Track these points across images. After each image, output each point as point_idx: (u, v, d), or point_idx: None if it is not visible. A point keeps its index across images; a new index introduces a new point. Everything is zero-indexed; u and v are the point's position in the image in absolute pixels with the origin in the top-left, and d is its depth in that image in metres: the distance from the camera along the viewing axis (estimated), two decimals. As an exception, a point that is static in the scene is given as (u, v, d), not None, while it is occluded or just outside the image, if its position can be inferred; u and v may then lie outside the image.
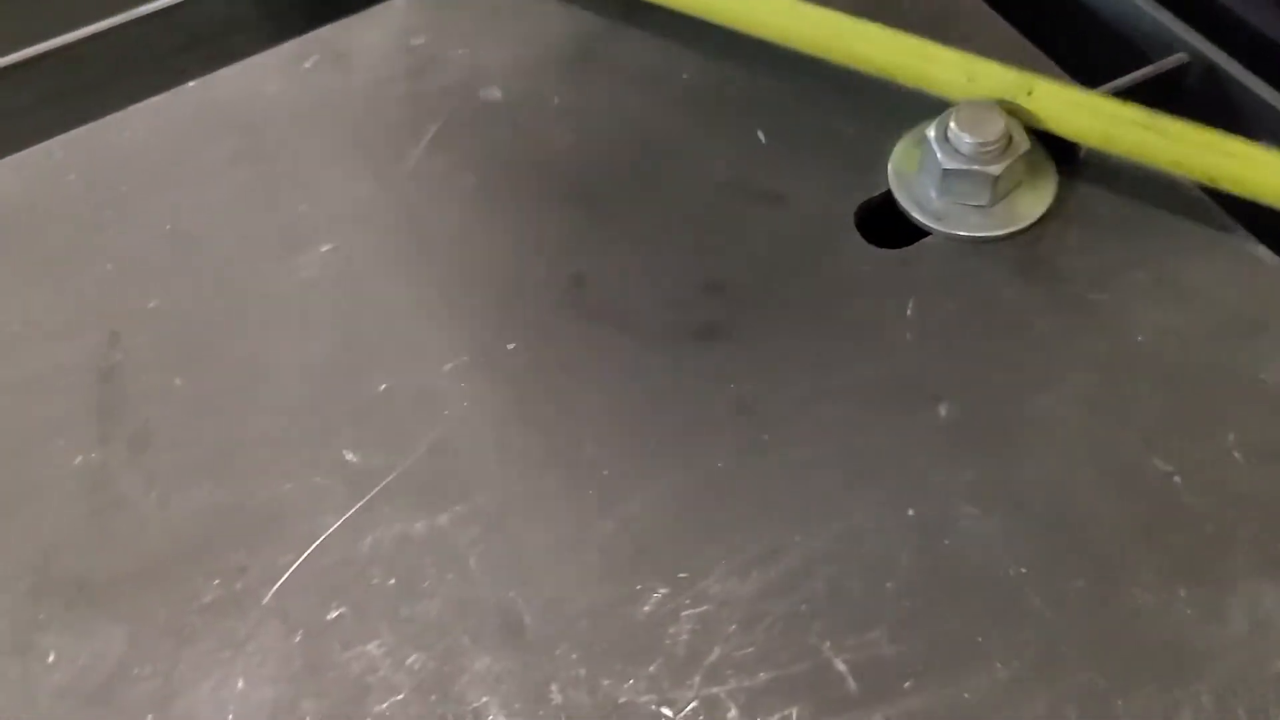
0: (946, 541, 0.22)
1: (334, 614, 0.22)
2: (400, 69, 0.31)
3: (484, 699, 0.21)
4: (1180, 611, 0.21)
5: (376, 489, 0.24)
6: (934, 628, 0.21)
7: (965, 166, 0.26)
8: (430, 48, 0.32)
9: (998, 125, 0.26)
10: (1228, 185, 0.25)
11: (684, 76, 0.30)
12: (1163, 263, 0.26)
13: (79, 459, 0.25)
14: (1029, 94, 0.26)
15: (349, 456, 0.24)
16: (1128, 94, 0.29)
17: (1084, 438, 0.23)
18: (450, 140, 0.30)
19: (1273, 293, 0.25)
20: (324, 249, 0.28)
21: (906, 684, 0.21)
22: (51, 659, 0.22)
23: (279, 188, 0.29)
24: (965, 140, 0.26)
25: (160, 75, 0.31)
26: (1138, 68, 0.30)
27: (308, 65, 0.32)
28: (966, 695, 0.20)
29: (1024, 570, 0.22)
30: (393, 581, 0.23)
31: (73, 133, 0.31)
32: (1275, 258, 0.26)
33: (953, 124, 0.26)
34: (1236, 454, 0.23)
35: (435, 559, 0.23)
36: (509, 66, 0.31)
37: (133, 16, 0.33)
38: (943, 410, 0.24)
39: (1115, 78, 0.30)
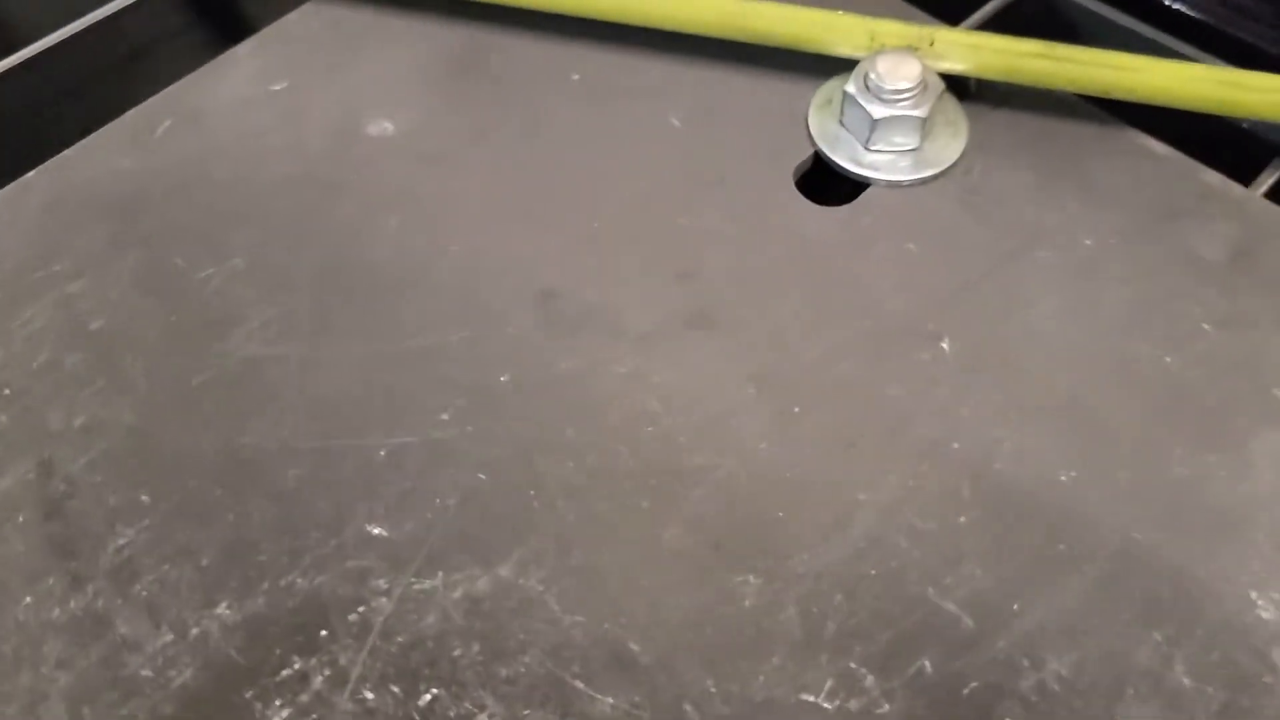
0: (996, 466, 0.23)
1: (426, 698, 0.20)
2: (269, 118, 0.29)
3: (620, 739, 0.20)
4: (1216, 475, 0.23)
5: (420, 557, 0.22)
6: (1015, 546, 0.22)
7: (895, 113, 0.27)
8: (295, 91, 0.29)
9: (915, 69, 0.27)
10: (1121, 94, 0.27)
11: (575, 77, 0.30)
12: (1079, 170, 0.28)
13: (56, 611, 0.21)
14: (931, 44, 0.27)
15: (375, 531, 0.22)
16: (987, 25, 0.32)
17: (1075, 342, 0.25)
18: (370, 184, 0.28)
19: (1177, 178, 0.28)
20: (255, 324, 0.25)
21: (1014, 606, 0.21)
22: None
23: (176, 269, 0.26)
24: (889, 88, 0.27)
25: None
26: (986, 2, 0.32)
27: (160, 132, 0.29)
28: (1068, 602, 0.21)
29: (1073, 474, 0.23)
30: (476, 647, 0.21)
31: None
32: (1165, 147, 0.28)
33: (873, 75, 0.27)
34: (1206, 326, 0.25)
35: (513, 612, 0.21)
36: (390, 97, 0.29)
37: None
38: (945, 345, 0.25)
39: (969, 14, 0.32)
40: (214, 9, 0.34)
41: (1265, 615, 0.21)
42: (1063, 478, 0.23)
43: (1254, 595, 0.21)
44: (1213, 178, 0.28)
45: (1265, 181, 0.29)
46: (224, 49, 0.30)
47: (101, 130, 0.28)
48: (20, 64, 0.31)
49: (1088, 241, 0.26)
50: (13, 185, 0.27)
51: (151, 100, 0.29)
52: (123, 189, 0.27)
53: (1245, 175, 0.28)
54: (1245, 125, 0.31)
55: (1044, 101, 0.29)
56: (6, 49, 0.31)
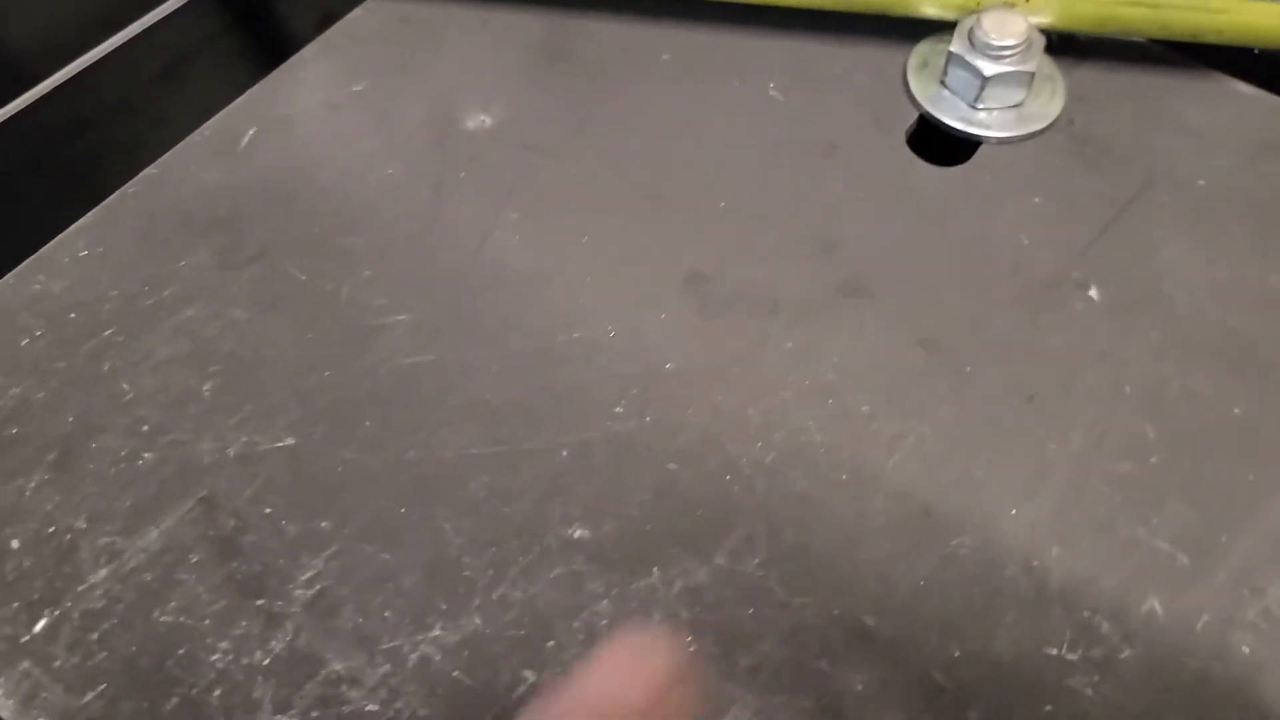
0: (1171, 404, 0.23)
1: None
2: (358, 120, 0.27)
3: (885, 712, 0.20)
4: (1376, 394, 0.24)
5: (629, 555, 0.21)
6: (1209, 481, 0.22)
7: (1005, 69, 0.27)
8: (378, 91, 0.28)
9: (1021, 24, 0.27)
10: (1211, 37, 0.28)
11: (665, 57, 0.29)
12: (1174, 114, 0.28)
13: (258, 654, 0.20)
14: (1027, 1, 0.28)
15: (577, 534, 0.21)
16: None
17: (1213, 278, 0.25)
18: (481, 179, 0.26)
19: (1267, 115, 0.28)
20: (398, 332, 0.24)
21: (1222, 539, 0.22)
22: None
23: (299, 283, 0.25)
24: (997, 44, 0.27)
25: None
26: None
27: (246, 142, 0.27)
28: (1272, 529, 0.22)
29: (1244, 406, 0.23)
30: (711, 640, 0.20)
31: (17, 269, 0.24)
32: (1251, 87, 0.29)
33: (979, 32, 0.27)
34: (1330, 253, 0.26)
35: (738, 600, 0.21)
36: (481, 88, 0.28)
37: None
38: (1094, 293, 0.25)
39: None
40: (248, 15, 0.32)
41: None
42: (1237, 411, 0.23)
43: None
44: (1302, 111, 0.29)
45: (1344, 111, 0.30)
46: (274, 57, 0.29)
47: (182, 144, 0.27)
48: (60, 85, 0.29)
49: (1200, 182, 0.27)
50: (98, 210, 0.26)
51: (229, 110, 0.27)
52: (219, 204, 0.26)
53: (1324, 108, 0.29)
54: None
55: (1126, 51, 0.30)
56: (46, 71, 0.29)
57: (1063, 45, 0.29)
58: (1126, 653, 0.20)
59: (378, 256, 0.25)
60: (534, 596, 0.21)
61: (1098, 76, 0.29)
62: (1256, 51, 0.29)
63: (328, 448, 0.22)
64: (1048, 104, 0.28)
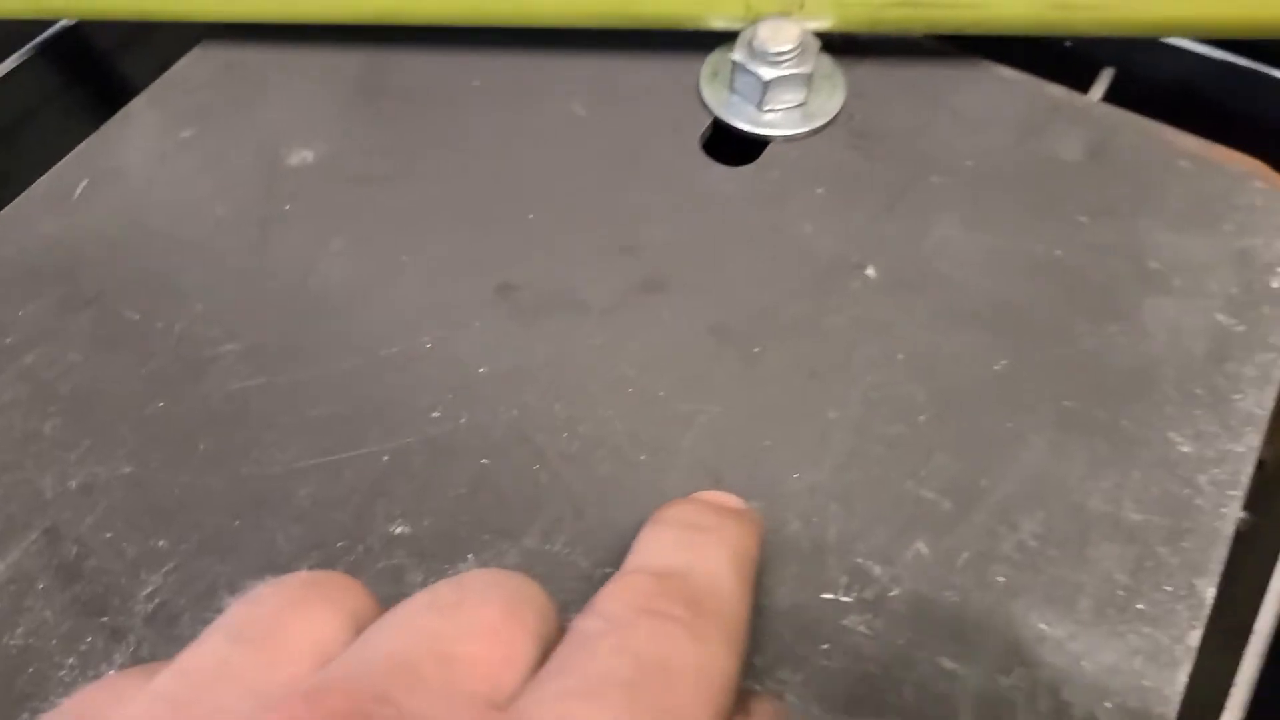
0: (939, 368, 0.26)
1: (489, 668, 0.22)
2: (188, 165, 0.29)
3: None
4: (1118, 342, 0.26)
5: (446, 546, 0.23)
6: (971, 433, 0.25)
7: (782, 73, 0.29)
8: (206, 136, 0.30)
9: (795, 31, 0.29)
10: (972, 30, 0.30)
11: (475, 83, 0.31)
12: (946, 101, 0.31)
13: (103, 667, 0.22)
14: (802, 7, 0.30)
15: (398, 530, 0.23)
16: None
17: (979, 251, 0.28)
18: (305, 212, 0.28)
19: (1029, 96, 0.31)
20: (229, 361, 0.26)
21: (983, 483, 0.24)
22: None
23: (133, 323, 0.26)
24: (773, 51, 0.29)
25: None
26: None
27: (79, 193, 0.29)
28: (1026, 471, 0.24)
29: (1005, 363, 0.26)
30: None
31: None
32: (1014, 71, 0.32)
33: (757, 42, 0.29)
34: (1081, 218, 0.28)
35: (547, 576, 0.23)
36: (303, 127, 0.30)
37: None
38: (871, 272, 0.28)
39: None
40: (87, 71, 0.34)
41: (1185, 450, 0.25)
42: (996, 368, 0.26)
43: (1172, 435, 0.25)
44: (1057, 91, 0.31)
45: (1099, 88, 0.33)
46: (112, 109, 0.31)
47: (19, 199, 0.28)
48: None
49: (969, 163, 0.30)
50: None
51: (63, 163, 0.29)
52: (55, 254, 0.27)
53: (1083, 86, 0.32)
54: (1068, 44, 0.35)
55: (902, 46, 0.32)
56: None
57: (844, 45, 0.32)
58: (895, 591, 0.23)
59: (208, 292, 0.27)
60: (359, 590, 0.23)
61: (875, 72, 0.32)
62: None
63: (165, 473, 0.24)
64: (828, 101, 0.31)
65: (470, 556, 0.23)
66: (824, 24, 0.30)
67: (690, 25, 0.31)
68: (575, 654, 0.16)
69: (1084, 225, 0.28)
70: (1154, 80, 0.33)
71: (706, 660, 0.17)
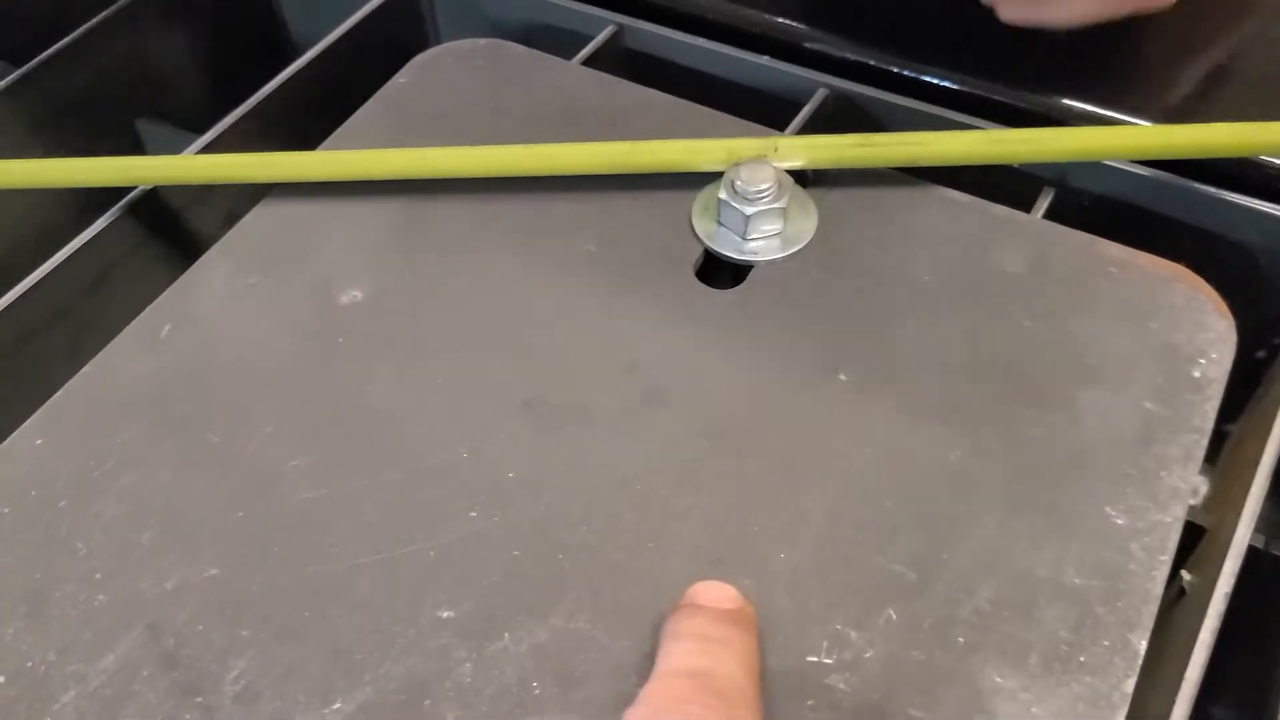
0: (899, 458, 0.30)
1: (524, 730, 0.26)
2: (254, 308, 0.34)
3: None
4: (1059, 428, 0.30)
5: (485, 626, 0.27)
6: (930, 514, 0.29)
7: (761, 208, 0.34)
8: (269, 282, 0.35)
9: (770, 171, 0.34)
10: (923, 163, 0.35)
11: (499, 224, 0.36)
12: (906, 223, 0.36)
13: (202, 739, 0.26)
14: (776, 150, 0.35)
15: (444, 614, 0.27)
16: (806, 128, 0.40)
17: (937, 354, 0.32)
18: (355, 343, 0.33)
19: (978, 216, 0.36)
20: (296, 475, 0.30)
21: (944, 556, 0.28)
22: None
23: (213, 445, 0.31)
24: (753, 190, 0.34)
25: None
26: (792, 110, 0.40)
27: (165, 334, 0.33)
28: (981, 545, 0.28)
29: (959, 452, 0.30)
30: (551, 681, 0.26)
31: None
32: (964, 194, 0.36)
33: (739, 182, 0.34)
34: (1026, 322, 0.33)
35: (572, 650, 0.27)
36: (352, 269, 0.35)
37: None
38: (843, 376, 0.32)
39: (789, 122, 0.40)
40: (164, 226, 0.39)
41: (1119, 522, 0.29)
42: (952, 457, 0.30)
43: (1107, 509, 0.29)
44: (1001, 211, 0.36)
45: (1040, 207, 0.37)
46: (189, 256, 0.36)
47: (113, 342, 0.33)
48: (10, 304, 0.35)
49: (926, 277, 0.34)
50: (47, 406, 0.32)
51: (148, 310, 0.34)
52: (146, 388, 0.32)
53: (1025, 205, 0.37)
54: (1016, 167, 0.39)
55: (868, 177, 0.37)
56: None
57: (816, 178, 0.37)
58: (870, 653, 0.27)
59: (276, 416, 0.31)
60: (413, 668, 0.27)
61: (844, 199, 0.36)
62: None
63: (244, 573, 0.28)
64: (803, 228, 0.35)
65: (506, 635, 0.27)
66: (796, 164, 0.35)
67: (686, 169, 0.36)
68: None
69: (1027, 328, 0.33)
70: (1090, 196, 0.38)
71: None
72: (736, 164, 0.35)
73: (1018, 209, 0.36)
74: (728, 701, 0.24)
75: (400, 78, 0.41)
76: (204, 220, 0.40)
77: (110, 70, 0.48)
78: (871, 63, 0.42)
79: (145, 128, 0.48)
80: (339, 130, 0.39)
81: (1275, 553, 0.34)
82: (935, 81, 0.41)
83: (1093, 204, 0.39)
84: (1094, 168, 0.38)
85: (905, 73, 0.41)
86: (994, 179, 0.38)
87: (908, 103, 0.40)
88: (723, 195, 0.35)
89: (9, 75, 0.45)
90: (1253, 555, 0.34)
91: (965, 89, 0.41)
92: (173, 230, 0.39)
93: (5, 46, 0.52)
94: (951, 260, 0.35)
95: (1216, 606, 0.28)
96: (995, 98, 0.40)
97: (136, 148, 0.48)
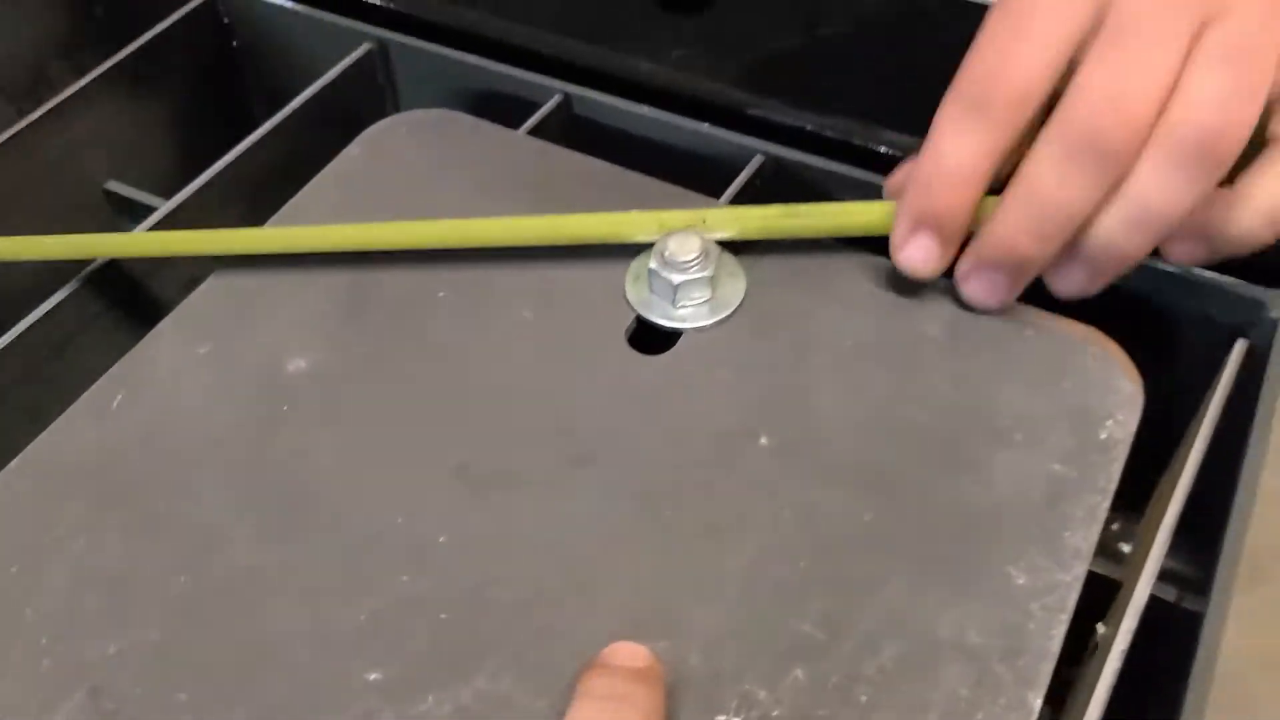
0: (821, 519, 0.31)
1: (444, 789, 0.27)
2: (204, 377, 0.35)
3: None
4: (970, 490, 0.32)
5: (412, 688, 0.28)
6: (841, 575, 0.30)
7: (689, 277, 0.36)
8: (218, 351, 0.36)
9: (697, 242, 0.36)
10: (848, 233, 0.37)
11: (441, 294, 0.38)
12: (831, 288, 0.37)
13: (136, 799, 0.27)
14: (704, 222, 0.36)
15: (373, 677, 0.29)
16: (742, 193, 0.41)
17: (857, 416, 0.34)
18: (300, 411, 0.35)
19: (900, 280, 0.37)
20: (238, 541, 0.32)
21: (851, 616, 0.29)
22: None
23: (160, 511, 0.32)
24: (681, 260, 0.36)
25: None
26: (732, 175, 0.42)
27: (116, 404, 0.35)
28: (888, 605, 0.30)
29: (872, 514, 0.31)
30: (472, 742, 0.28)
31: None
32: (889, 261, 0.38)
33: (667, 252, 0.36)
34: (942, 385, 0.34)
35: (494, 712, 0.28)
36: (298, 339, 0.36)
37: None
38: (764, 440, 0.33)
39: (728, 186, 0.41)
40: (123, 295, 0.41)
41: (1020, 582, 0.30)
42: (866, 519, 0.31)
43: (1010, 570, 0.30)
44: (925, 276, 0.37)
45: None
46: (149, 322, 0.37)
47: (65, 413, 0.34)
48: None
49: (848, 341, 0.36)
50: (5, 472, 0.33)
51: (101, 380, 0.35)
52: (96, 457, 0.33)
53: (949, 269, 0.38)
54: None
55: (797, 244, 0.38)
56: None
57: (748, 245, 0.38)
58: (776, 712, 0.28)
59: (220, 483, 0.33)
60: (340, 729, 0.28)
61: (775, 265, 0.38)
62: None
63: (184, 638, 0.30)
64: (731, 294, 0.37)
65: (430, 697, 0.28)
66: (725, 235, 0.37)
67: (619, 240, 0.37)
68: None
69: (943, 391, 0.34)
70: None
71: None
72: (667, 234, 0.36)
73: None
74: None
75: (352, 149, 0.43)
76: (166, 286, 0.42)
77: (84, 136, 0.50)
78: (808, 128, 0.43)
79: (117, 189, 0.50)
80: (291, 201, 0.41)
81: (1187, 607, 0.35)
82: (873, 148, 0.43)
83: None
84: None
85: (841, 138, 0.43)
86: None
87: (842, 168, 0.42)
88: (652, 265, 0.36)
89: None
90: (1166, 610, 0.35)
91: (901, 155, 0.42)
92: (134, 298, 0.41)
93: (-19, 113, 0.54)
94: (873, 325, 0.36)
95: (1113, 663, 0.29)
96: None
97: (107, 210, 0.50)
